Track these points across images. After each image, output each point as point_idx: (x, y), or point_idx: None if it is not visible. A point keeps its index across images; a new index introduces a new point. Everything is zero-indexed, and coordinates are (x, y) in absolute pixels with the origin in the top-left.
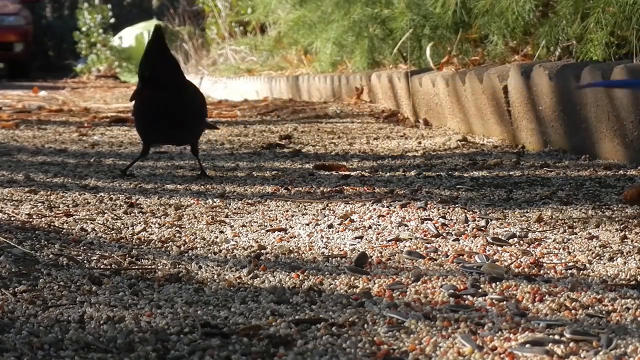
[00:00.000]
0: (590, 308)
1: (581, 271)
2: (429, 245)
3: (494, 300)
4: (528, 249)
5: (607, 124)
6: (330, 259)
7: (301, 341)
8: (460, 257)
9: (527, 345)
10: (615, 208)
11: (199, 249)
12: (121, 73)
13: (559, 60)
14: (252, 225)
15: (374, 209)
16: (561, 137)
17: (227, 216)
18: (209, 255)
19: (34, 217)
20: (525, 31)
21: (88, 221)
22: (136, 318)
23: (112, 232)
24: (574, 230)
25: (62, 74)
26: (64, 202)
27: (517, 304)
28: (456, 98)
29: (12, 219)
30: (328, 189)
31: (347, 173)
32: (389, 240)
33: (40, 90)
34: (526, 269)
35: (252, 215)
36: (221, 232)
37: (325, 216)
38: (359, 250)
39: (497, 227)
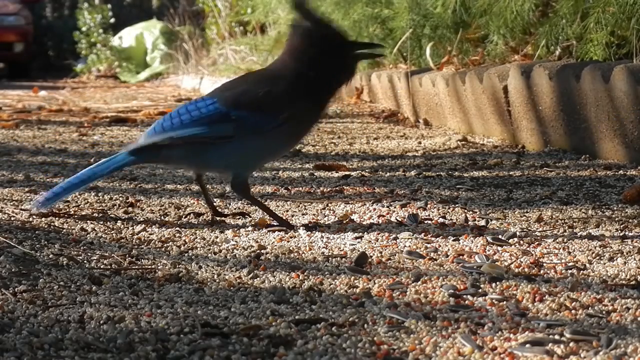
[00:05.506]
0: (590, 308)
1: (581, 271)
2: (429, 245)
3: (494, 300)
4: (528, 249)
5: (607, 124)
6: (330, 259)
7: (301, 341)
8: (460, 257)
9: (527, 345)
10: (615, 208)
11: (199, 249)
12: (121, 73)
13: (559, 60)
14: (252, 225)
15: (374, 209)
16: (561, 137)
17: (227, 216)
18: (209, 255)
19: (34, 217)
20: (525, 31)
21: (88, 221)
22: (136, 318)
23: (112, 232)
24: (574, 230)
25: (62, 74)
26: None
27: (517, 304)
28: (456, 98)
29: (12, 219)
30: (328, 189)
31: (347, 173)
32: (389, 240)
33: (40, 90)
34: (526, 269)
35: (252, 215)
36: (221, 232)
37: (325, 216)
38: (359, 250)
39: (497, 227)
